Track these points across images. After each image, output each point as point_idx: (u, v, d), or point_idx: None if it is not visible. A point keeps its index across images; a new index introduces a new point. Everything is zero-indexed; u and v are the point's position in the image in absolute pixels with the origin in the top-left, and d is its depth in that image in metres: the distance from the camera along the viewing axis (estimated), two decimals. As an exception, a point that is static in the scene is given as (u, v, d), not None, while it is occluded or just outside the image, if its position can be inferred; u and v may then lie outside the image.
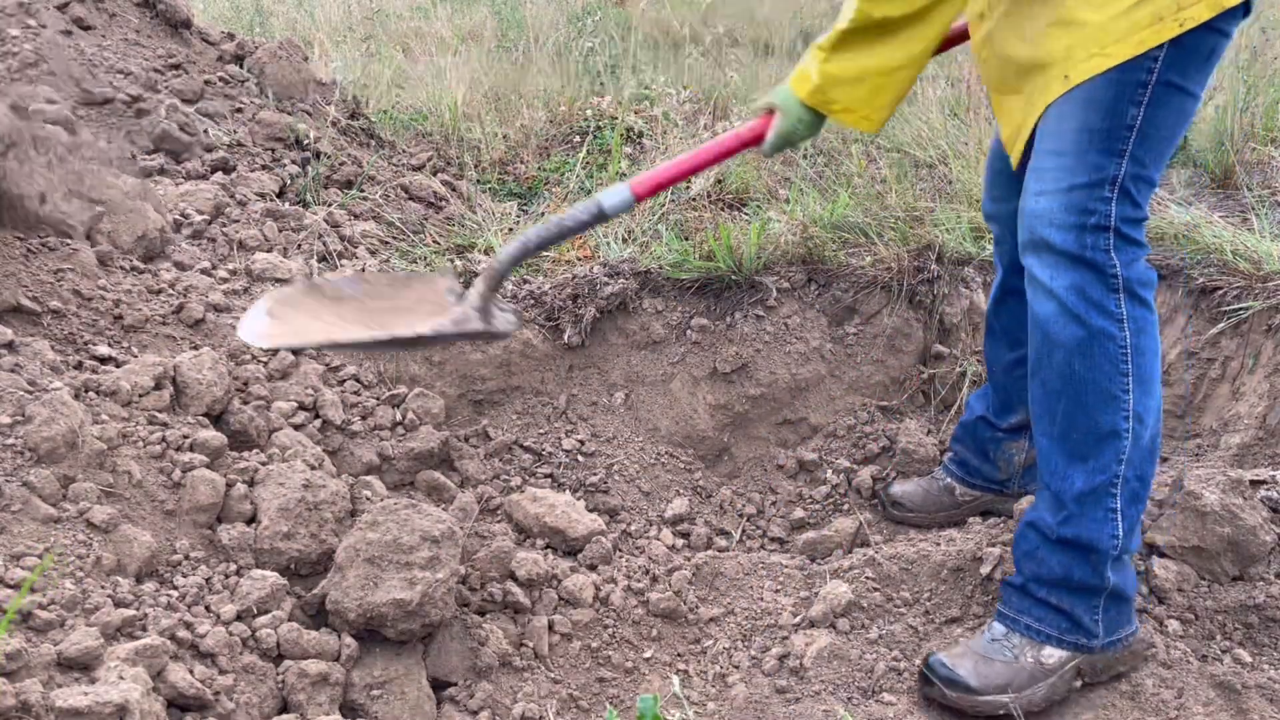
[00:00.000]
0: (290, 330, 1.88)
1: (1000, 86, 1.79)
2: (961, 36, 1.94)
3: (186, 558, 1.77)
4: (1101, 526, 1.70)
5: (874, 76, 1.73)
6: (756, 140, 1.87)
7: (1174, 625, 1.91)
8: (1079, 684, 1.78)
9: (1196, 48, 1.55)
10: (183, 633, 1.59)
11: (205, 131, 3.12)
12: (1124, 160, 1.59)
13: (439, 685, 1.84)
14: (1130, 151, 1.59)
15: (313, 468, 2.05)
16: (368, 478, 2.19)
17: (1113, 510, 1.70)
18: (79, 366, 2.02)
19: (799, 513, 2.50)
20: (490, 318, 1.87)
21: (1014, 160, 1.81)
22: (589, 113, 4.33)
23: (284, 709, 1.64)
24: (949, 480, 2.35)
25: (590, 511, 2.35)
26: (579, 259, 2.96)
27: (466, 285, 1.98)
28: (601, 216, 1.85)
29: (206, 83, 3.37)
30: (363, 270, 2.08)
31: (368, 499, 2.06)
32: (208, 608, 1.69)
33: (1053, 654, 1.76)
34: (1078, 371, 1.66)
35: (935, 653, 1.84)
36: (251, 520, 1.89)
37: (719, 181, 3.65)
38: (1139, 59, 1.54)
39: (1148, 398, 1.67)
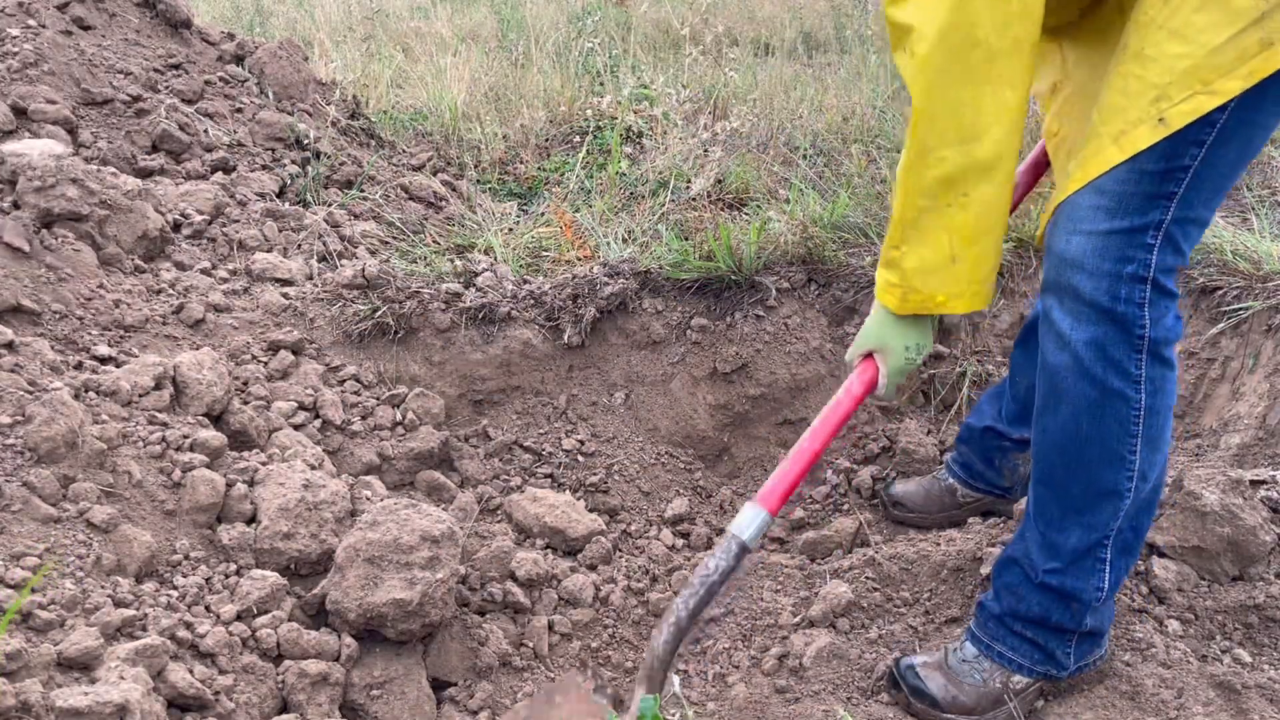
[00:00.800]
0: None
1: (1071, 158, 1.56)
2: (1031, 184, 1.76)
3: (186, 558, 1.77)
4: (1089, 578, 1.66)
5: (963, 248, 1.49)
6: (870, 388, 1.67)
7: (1174, 625, 1.91)
8: (1041, 702, 1.80)
9: (1277, 77, 1.35)
10: (183, 633, 1.59)
11: (205, 131, 3.12)
12: (1173, 204, 1.42)
13: (439, 685, 1.84)
14: (1182, 195, 1.42)
15: (313, 468, 2.05)
16: (368, 478, 2.19)
17: (1102, 561, 1.65)
18: (79, 366, 2.02)
19: (799, 513, 2.50)
20: None
21: (1043, 224, 1.61)
22: (589, 113, 4.33)
23: (284, 709, 1.64)
24: (951, 481, 2.34)
25: (590, 511, 2.35)
26: (579, 259, 2.96)
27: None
28: (746, 552, 1.62)
29: (206, 83, 3.37)
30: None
31: (368, 499, 2.06)
32: (208, 608, 1.69)
33: (1020, 680, 1.76)
34: (1084, 430, 1.56)
35: (908, 656, 1.84)
36: (251, 520, 1.89)
37: (719, 182, 3.65)
38: None
39: (1154, 454, 1.58)
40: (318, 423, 2.28)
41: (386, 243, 3.04)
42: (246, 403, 2.19)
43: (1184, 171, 1.40)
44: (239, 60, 3.63)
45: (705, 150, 3.83)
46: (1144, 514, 1.65)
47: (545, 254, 3.05)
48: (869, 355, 1.69)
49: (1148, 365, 1.50)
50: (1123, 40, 1.43)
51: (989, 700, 1.76)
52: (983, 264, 1.53)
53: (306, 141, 3.36)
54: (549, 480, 2.49)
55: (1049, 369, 1.57)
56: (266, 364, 2.35)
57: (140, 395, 1.97)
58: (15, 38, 2.98)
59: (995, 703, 1.76)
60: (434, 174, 3.76)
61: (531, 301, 2.69)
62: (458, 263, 2.86)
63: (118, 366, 2.06)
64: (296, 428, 2.22)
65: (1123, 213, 1.43)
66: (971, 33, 1.37)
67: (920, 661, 1.82)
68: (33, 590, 1.50)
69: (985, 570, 2.00)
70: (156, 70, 3.28)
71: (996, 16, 1.36)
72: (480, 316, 2.62)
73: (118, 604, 1.58)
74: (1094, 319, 1.49)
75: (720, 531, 2.46)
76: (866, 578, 2.09)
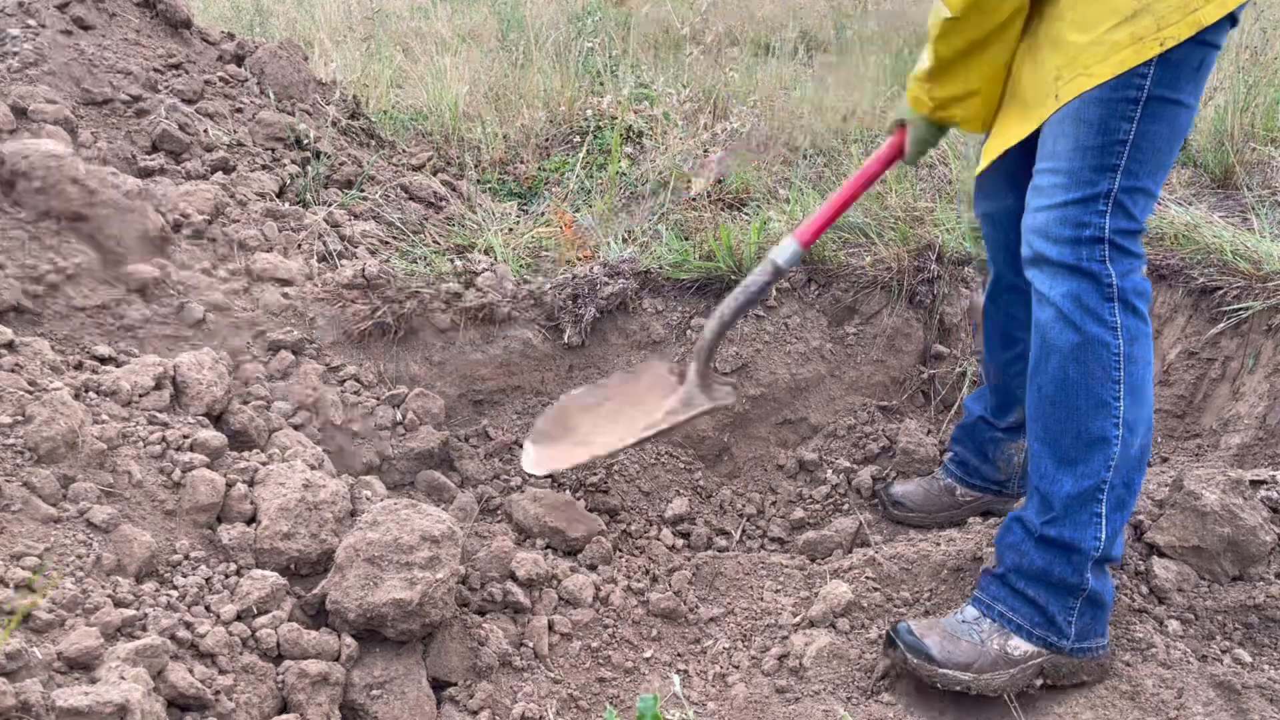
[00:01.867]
0: (562, 452, 2.23)
1: (1009, 94, 1.82)
2: None
3: (186, 558, 1.77)
4: (1085, 529, 1.73)
5: (982, 87, 1.81)
6: (898, 154, 2.01)
7: (1174, 625, 1.91)
8: (1039, 683, 1.80)
9: (1185, 61, 1.58)
10: (183, 633, 1.59)
11: (205, 131, 3.12)
12: (1118, 175, 1.63)
13: (439, 685, 1.84)
14: (1124, 166, 1.62)
15: (313, 468, 2.05)
16: (368, 478, 2.19)
17: (1098, 515, 1.72)
18: (79, 366, 2.02)
19: (799, 513, 2.50)
20: (711, 392, 2.17)
21: (983, 163, 1.86)
22: (589, 113, 4.33)
23: (284, 709, 1.64)
24: (949, 480, 2.35)
25: (590, 511, 2.35)
26: (579, 259, 2.96)
27: (678, 364, 2.32)
28: (779, 273, 2.08)
29: (206, 83, 3.36)
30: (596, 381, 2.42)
31: (368, 499, 2.06)
32: (208, 608, 1.69)
33: (1019, 646, 1.78)
34: (1071, 377, 1.69)
35: (905, 619, 1.89)
36: (251, 520, 1.89)
37: (719, 182, 3.65)
38: (1128, 76, 1.57)
39: (1138, 407, 1.70)
40: (318, 423, 2.28)
41: (386, 243, 3.04)
42: (246, 403, 2.18)
43: (1121, 145, 1.61)
44: (239, 60, 3.62)
45: (705, 150, 3.82)
46: (1135, 472, 1.74)
47: (545, 254, 3.04)
48: (902, 125, 1.98)
49: (1121, 313, 1.67)
50: (1033, 31, 1.71)
51: (986, 660, 1.77)
52: (993, 99, 1.84)
53: (306, 141, 3.36)
54: (549, 480, 2.48)
55: (1038, 327, 1.73)
56: (266, 364, 2.35)
57: (140, 395, 1.97)
58: (15, 37, 2.98)
59: (993, 664, 1.77)
60: (434, 174, 3.75)
61: (531, 301, 2.69)
62: (458, 263, 2.86)
63: (118, 366, 2.06)
64: (296, 428, 2.22)
65: (1076, 186, 1.64)
66: None
67: (917, 626, 1.84)
68: (33, 591, 1.50)
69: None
70: (156, 70, 3.28)
71: None
72: (480, 316, 2.62)
73: (118, 604, 1.58)
74: (1066, 275, 1.68)
75: (721, 532, 2.46)
76: (866, 578, 2.09)
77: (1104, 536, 1.73)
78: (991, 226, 2.13)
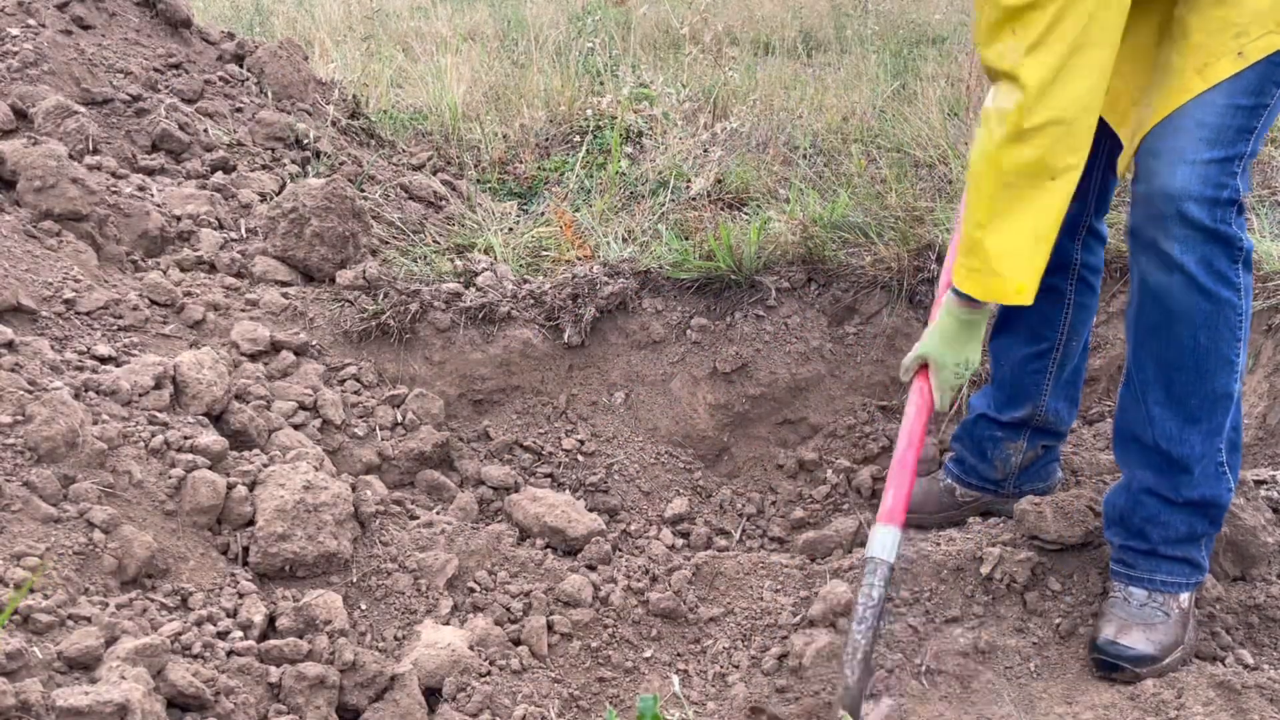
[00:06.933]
0: None
1: (1134, 105, 1.77)
2: None
3: (187, 558, 1.77)
4: (1219, 482, 1.78)
5: (1049, 230, 1.68)
6: (931, 404, 1.86)
7: (1174, 625, 1.91)
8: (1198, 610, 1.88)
9: None
10: (183, 633, 1.59)
11: (205, 131, 3.12)
12: (1253, 138, 1.62)
13: (435, 688, 1.84)
14: (1258, 130, 1.62)
15: (314, 468, 2.05)
16: (368, 477, 2.19)
17: (1222, 464, 1.77)
18: (79, 366, 2.02)
19: (799, 513, 2.50)
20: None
21: (1152, 122, 1.69)
22: (589, 112, 4.33)
23: (282, 711, 1.64)
24: (949, 481, 2.34)
25: (590, 511, 2.35)
26: (579, 259, 2.96)
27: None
28: (893, 571, 1.80)
29: (206, 83, 3.36)
30: None
31: (368, 499, 2.06)
32: (208, 609, 1.69)
33: (1185, 598, 1.85)
34: (1202, 343, 1.69)
35: (1097, 639, 1.84)
36: (251, 521, 1.89)
37: (719, 181, 3.65)
38: None
39: (1245, 352, 1.75)
40: (318, 422, 2.28)
41: (386, 243, 3.04)
42: (246, 403, 2.18)
43: (1264, 109, 1.61)
44: (239, 60, 3.62)
45: (705, 150, 3.82)
46: (1238, 412, 1.79)
47: (545, 254, 3.04)
48: (923, 368, 1.87)
49: (1243, 274, 1.68)
50: None
51: (1180, 626, 1.83)
52: (1048, 254, 1.71)
53: (306, 141, 3.36)
54: (549, 480, 2.49)
55: (1155, 294, 1.69)
56: (266, 364, 2.35)
57: (140, 395, 1.97)
58: (15, 37, 2.98)
59: (1185, 626, 1.83)
60: (434, 174, 3.75)
61: (531, 301, 2.69)
62: (458, 263, 2.86)
63: (118, 366, 2.06)
64: (296, 428, 2.22)
65: (1220, 144, 1.61)
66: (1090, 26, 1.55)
67: (1111, 633, 1.83)
68: (31, 590, 1.50)
69: (985, 570, 2.00)
70: (156, 70, 3.27)
71: (1113, 14, 1.57)
72: (480, 316, 2.62)
73: (118, 605, 1.58)
74: (1201, 240, 1.63)
75: (721, 532, 2.46)
76: (866, 578, 2.09)
77: (1233, 484, 1.79)
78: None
